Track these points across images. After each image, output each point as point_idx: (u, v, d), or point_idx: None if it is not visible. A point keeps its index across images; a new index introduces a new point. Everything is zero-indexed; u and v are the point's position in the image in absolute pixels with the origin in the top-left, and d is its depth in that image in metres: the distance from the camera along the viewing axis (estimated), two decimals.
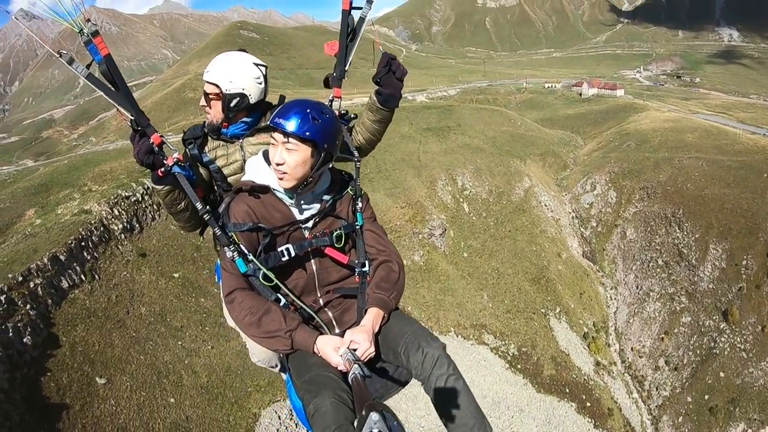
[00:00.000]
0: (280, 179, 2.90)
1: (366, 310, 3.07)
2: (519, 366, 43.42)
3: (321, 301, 3.24)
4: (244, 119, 3.55)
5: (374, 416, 1.64)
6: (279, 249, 3.04)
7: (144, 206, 29.59)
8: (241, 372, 25.30)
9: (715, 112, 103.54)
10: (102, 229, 26.45)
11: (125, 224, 27.82)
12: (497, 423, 36.71)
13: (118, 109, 3.08)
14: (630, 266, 59.82)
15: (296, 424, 24.57)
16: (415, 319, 3.06)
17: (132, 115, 3.06)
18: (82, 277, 23.80)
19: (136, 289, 25.80)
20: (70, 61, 2.81)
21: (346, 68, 3.71)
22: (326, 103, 3.39)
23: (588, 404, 44.22)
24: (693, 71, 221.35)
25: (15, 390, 18.37)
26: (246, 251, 2.94)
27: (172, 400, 22.00)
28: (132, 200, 29.30)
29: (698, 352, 51.45)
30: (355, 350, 2.74)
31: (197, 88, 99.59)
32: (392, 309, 3.13)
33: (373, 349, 2.85)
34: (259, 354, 3.97)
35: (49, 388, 19.34)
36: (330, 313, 3.25)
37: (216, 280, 4.22)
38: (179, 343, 24.86)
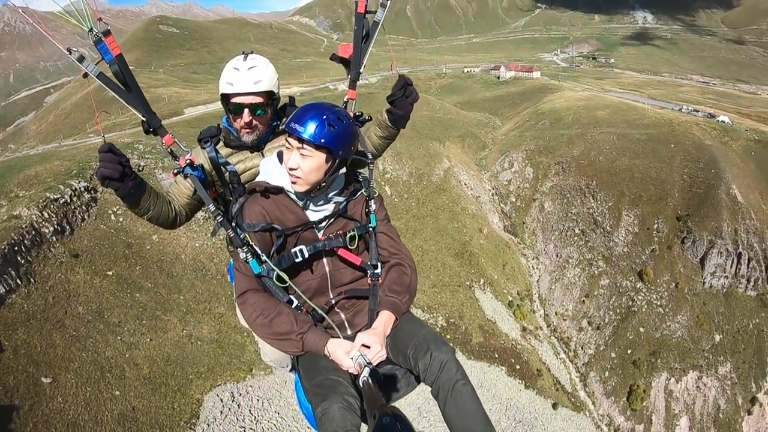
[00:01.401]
0: (293, 183, 2.95)
1: (377, 313, 3.11)
2: (448, 336, 44.88)
3: (333, 302, 3.28)
4: (273, 123, 3.61)
5: (386, 419, 1.73)
6: (292, 250, 3.08)
7: (73, 207, 29.62)
8: (180, 361, 25.96)
9: (627, 90, 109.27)
10: (33, 233, 26.53)
11: (56, 227, 27.88)
12: (427, 391, 37.71)
13: (132, 109, 3.12)
14: (549, 237, 62.99)
15: (238, 405, 25.50)
16: (425, 322, 3.03)
17: (144, 117, 3.12)
18: (18, 281, 24.11)
19: (72, 289, 26.07)
20: (80, 59, 2.84)
21: (361, 71, 3.76)
22: (343, 105, 3.59)
23: (518, 367, 46.25)
24: (608, 53, 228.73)
25: None
26: (260, 252, 2.99)
27: (117, 392, 22.58)
28: (61, 202, 29.29)
29: (618, 311, 55.51)
30: (366, 353, 2.78)
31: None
32: (404, 312, 3.16)
33: (384, 352, 2.89)
34: (271, 354, 3.96)
35: None
36: (342, 315, 3.31)
37: (229, 280, 4.28)
38: (119, 338, 25.33)
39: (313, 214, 3.12)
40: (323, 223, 3.15)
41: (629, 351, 53.30)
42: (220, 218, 3.09)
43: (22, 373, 20.76)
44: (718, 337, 53.20)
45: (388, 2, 3.70)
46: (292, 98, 3.76)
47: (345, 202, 3.18)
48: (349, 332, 3.27)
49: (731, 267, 55.07)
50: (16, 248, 25.07)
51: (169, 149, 3.20)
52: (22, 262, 25.10)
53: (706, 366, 52.27)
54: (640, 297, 55.24)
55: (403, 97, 3.57)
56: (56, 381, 21.37)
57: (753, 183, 61.75)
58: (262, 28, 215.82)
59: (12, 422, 18.93)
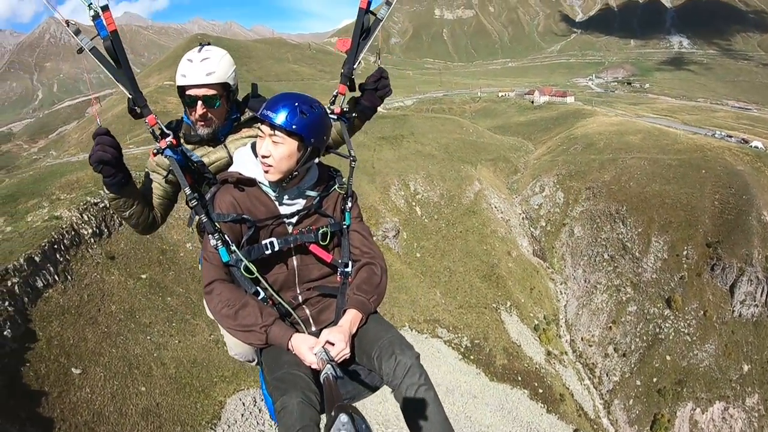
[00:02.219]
0: (266, 172, 2.94)
1: (344, 311, 3.10)
2: (472, 357, 45.23)
3: (300, 298, 3.26)
4: (232, 116, 3.56)
5: (343, 417, 1.73)
6: (263, 242, 3.07)
7: (111, 212, 30.56)
8: (206, 364, 26.83)
9: (660, 115, 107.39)
10: (73, 233, 27.88)
11: (94, 229, 29.20)
12: (451, 409, 38.20)
13: (119, 86, 3.10)
14: (578, 261, 62.51)
15: (260, 410, 26.14)
16: (393, 325, 3.16)
17: (130, 94, 3.10)
18: (56, 277, 25.39)
19: (106, 288, 27.28)
20: (77, 32, 2.91)
21: (355, 66, 3.63)
22: (330, 98, 3.61)
23: (540, 391, 46.08)
24: (644, 78, 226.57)
25: None
26: (230, 241, 2.97)
27: (143, 388, 23.55)
28: (100, 206, 30.54)
29: (645, 338, 54.56)
30: (329, 350, 2.76)
31: (158, 100, 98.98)
32: (371, 312, 3.16)
33: (348, 350, 2.86)
34: (236, 347, 3.74)
35: (29, 376, 20.93)
36: (308, 311, 3.27)
37: (200, 268, 3.98)
38: (148, 338, 26.39)
39: (286, 207, 3.13)
40: (295, 218, 3.15)
41: (655, 379, 52.35)
42: (194, 202, 3.02)
43: (53, 363, 21.81)
44: (746, 367, 51.97)
45: (393, 1, 3.63)
46: (255, 86, 3.75)
47: (318, 198, 3.18)
48: (314, 328, 3.26)
49: (761, 295, 53.68)
50: (55, 246, 26.35)
51: (151, 129, 3.19)
52: (61, 259, 26.35)
53: (734, 397, 51.03)
54: (667, 324, 54.40)
55: (374, 90, 3.58)
56: (86, 372, 22.33)
57: None
58: (301, 48, 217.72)
59: (41, 407, 19.92)
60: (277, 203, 3.08)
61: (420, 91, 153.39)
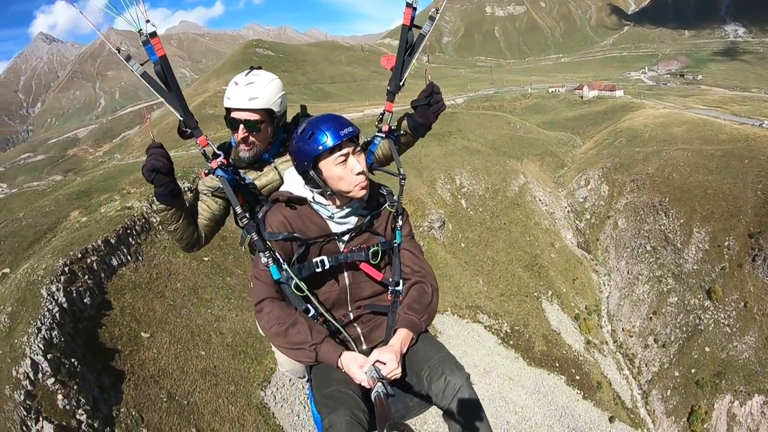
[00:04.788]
0: (363, 189, 2.92)
1: (395, 330, 3.07)
2: (511, 342, 46.44)
3: (351, 316, 3.25)
4: (280, 137, 3.58)
5: None
6: (314, 260, 3.05)
7: (157, 225, 33.61)
8: (259, 335, 29.05)
9: (710, 107, 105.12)
10: (143, 221, 31.29)
11: None
12: (487, 389, 39.63)
13: (171, 109, 3.22)
14: (621, 253, 62.78)
15: (305, 377, 28.75)
16: (443, 344, 3.15)
17: (181, 116, 3.18)
18: (128, 257, 28.83)
19: (173, 268, 30.52)
20: (128, 59, 2.94)
21: (401, 83, 3.58)
22: (378, 116, 3.60)
23: (577, 377, 46.95)
24: (697, 69, 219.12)
25: (78, 335, 23.41)
26: (281, 259, 2.97)
27: (203, 353, 26.51)
28: None
29: (684, 329, 54.35)
30: (380, 369, 2.71)
31: (217, 104, 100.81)
32: (422, 331, 3.12)
33: (399, 369, 2.81)
34: (287, 364, 3.84)
35: (104, 337, 24.25)
36: (359, 329, 3.27)
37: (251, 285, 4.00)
38: (209, 311, 29.38)
39: (337, 226, 3.11)
40: (346, 236, 3.13)
41: (693, 370, 52.07)
42: (245, 221, 3.09)
43: (126, 327, 25.02)
44: None
45: (437, 16, 3.55)
46: (303, 107, 3.74)
47: (369, 216, 3.16)
48: (364, 347, 3.25)
49: None
50: (128, 231, 29.72)
51: (202, 150, 3.26)
52: (133, 243, 29.71)
53: None
54: (707, 315, 54.05)
55: (426, 105, 3.53)
56: (153, 337, 25.43)
57: None
58: (354, 50, 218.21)
59: (114, 361, 23.14)
60: (329, 222, 3.09)
61: (471, 89, 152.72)
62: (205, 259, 32.70)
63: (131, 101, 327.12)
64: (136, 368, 23.37)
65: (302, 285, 2.97)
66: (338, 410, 2.58)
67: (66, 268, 25.44)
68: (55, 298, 23.70)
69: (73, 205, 37.23)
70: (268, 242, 2.98)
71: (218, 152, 3.29)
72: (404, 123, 3.65)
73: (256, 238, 2.99)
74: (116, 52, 2.94)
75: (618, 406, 48.81)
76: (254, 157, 3.42)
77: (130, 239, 29.76)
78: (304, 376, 3.85)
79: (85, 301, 24.94)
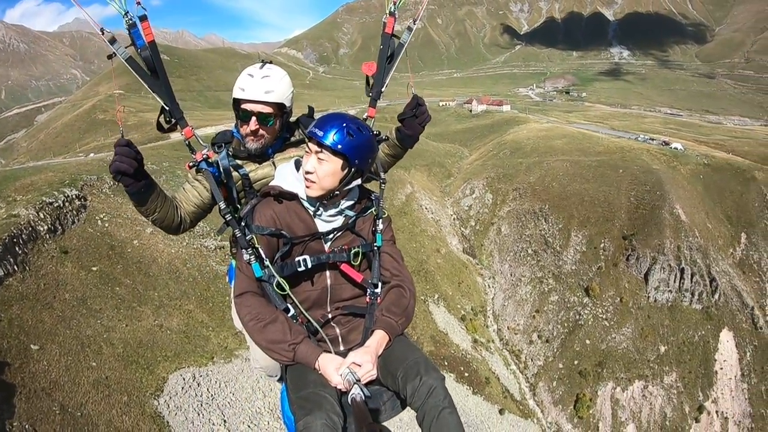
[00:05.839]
0: (307, 187, 2.93)
1: (372, 332, 3.03)
2: None
3: (330, 317, 3.22)
4: (283, 135, 3.57)
5: None
6: (296, 259, 3.03)
7: (65, 211, 33.53)
8: (151, 345, 29.30)
9: (591, 122, 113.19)
10: (30, 229, 30.38)
11: (49, 226, 31.70)
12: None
13: (155, 97, 3.14)
14: (505, 257, 66.43)
15: (198, 384, 28.75)
16: (419, 347, 3.16)
17: (167, 105, 3.13)
18: (15, 267, 28.04)
19: (61, 279, 29.89)
20: (112, 41, 2.89)
21: (383, 89, 3.68)
22: None
23: (466, 374, 48.57)
24: (583, 87, 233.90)
25: None
26: (264, 256, 2.95)
27: (94, 363, 26.11)
28: (54, 206, 32.96)
29: (566, 324, 58.60)
30: (356, 371, 2.72)
31: (108, 109, 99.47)
32: (398, 334, 3.09)
33: (375, 371, 2.81)
34: (261, 361, 3.84)
35: None
36: (337, 330, 3.24)
37: (228, 280, 4.20)
38: (98, 321, 28.92)
39: (323, 224, 3.11)
40: (331, 235, 3.12)
41: (576, 362, 55.79)
42: (228, 217, 3.08)
43: (14, 339, 24.43)
44: (663, 348, 56.13)
45: (414, 26, 3.68)
46: (311, 108, 3.79)
47: (355, 217, 3.16)
48: (341, 348, 3.21)
49: (674, 282, 58.14)
50: (14, 240, 28.83)
51: (187, 142, 3.22)
52: (19, 252, 28.97)
53: (652, 376, 55.00)
54: (586, 311, 58.04)
55: (413, 117, 3.60)
56: (43, 349, 24.96)
57: (699, 204, 65.15)
58: (251, 58, 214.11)
59: (4, 375, 22.61)
60: (316, 220, 3.09)
61: (364, 101, 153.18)
62: (94, 269, 32.34)
63: (18, 102, 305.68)
64: (26, 381, 22.91)
65: (284, 284, 2.97)
66: (314, 413, 2.55)
67: None
68: None
69: None
70: (250, 239, 2.98)
71: (203, 143, 3.35)
72: (394, 135, 3.75)
73: (239, 235, 3.00)
74: (100, 32, 2.89)
75: (507, 399, 51.09)
76: (261, 150, 3.41)
77: (17, 248, 28.96)
78: (277, 375, 3.92)
79: None
